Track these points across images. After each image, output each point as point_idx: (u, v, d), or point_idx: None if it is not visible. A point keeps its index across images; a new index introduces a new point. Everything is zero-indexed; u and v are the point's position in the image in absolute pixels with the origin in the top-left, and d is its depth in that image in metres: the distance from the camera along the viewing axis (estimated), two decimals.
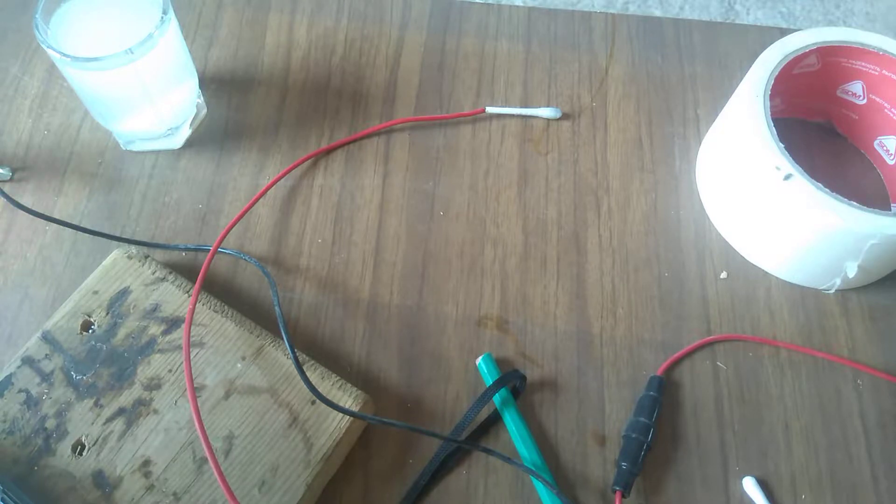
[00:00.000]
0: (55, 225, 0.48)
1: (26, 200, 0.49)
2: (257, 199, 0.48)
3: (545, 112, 0.53)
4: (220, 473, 0.35)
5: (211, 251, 0.44)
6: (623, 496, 0.40)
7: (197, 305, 0.43)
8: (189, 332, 0.41)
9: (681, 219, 0.50)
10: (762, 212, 0.45)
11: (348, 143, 0.52)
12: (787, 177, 0.42)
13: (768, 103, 0.45)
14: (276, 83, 0.55)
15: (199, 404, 0.40)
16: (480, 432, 0.42)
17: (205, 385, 0.41)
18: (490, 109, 0.53)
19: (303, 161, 0.51)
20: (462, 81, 0.55)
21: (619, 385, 0.44)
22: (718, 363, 0.45)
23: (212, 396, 0.41)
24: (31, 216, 0.48)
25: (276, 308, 0.43)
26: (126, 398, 0.41)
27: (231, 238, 0.48)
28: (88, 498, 0.38)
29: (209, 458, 0.36)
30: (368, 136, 0.52)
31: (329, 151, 0.52)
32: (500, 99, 0.54)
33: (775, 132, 0.44)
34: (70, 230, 0.48)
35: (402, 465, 0.42)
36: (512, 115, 0.54)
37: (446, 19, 0.58)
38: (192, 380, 0.38)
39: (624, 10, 0.59)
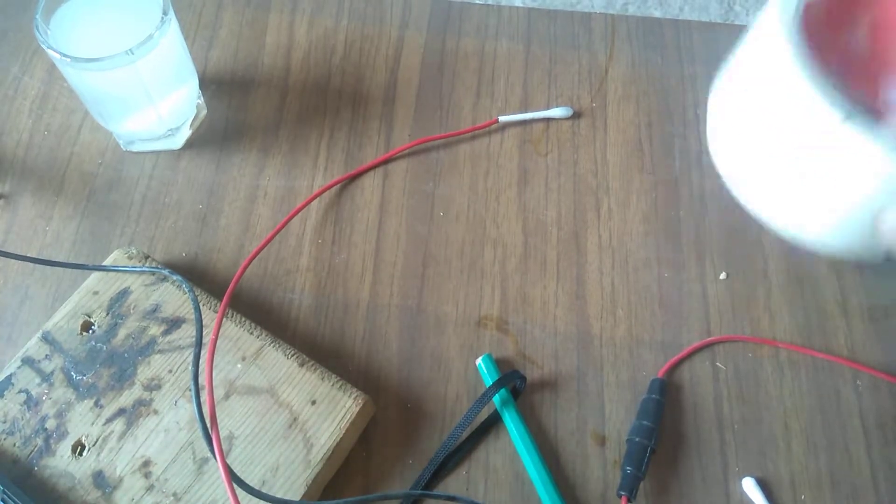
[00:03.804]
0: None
1: (26, 201, 0.49)
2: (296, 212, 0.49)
3: (556, 112, 0.53)
4: (227, 473, 0.35)
5: (239, 270, 0.44)
6: (629, 501, 0.40)
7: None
8: (213, 352, 0.40)
9: (681, 219, 0.50)
10: (807, 167, 0.38)
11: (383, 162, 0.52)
12: (847, 118, 0.34)
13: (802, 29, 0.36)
14: (276, 83, 0.55)
15: (199, 405, 0.40)
16: (480, 432, 0.42)
17: (205, 385, 0.41)
18: (502, 118, 0.53)
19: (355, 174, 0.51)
20: (462, 82, 0.55)
21: (618, 385, 0.44)
22: (718, 364, 0.45)
23: None
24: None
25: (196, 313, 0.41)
26: (126, 398, 0.41)
27: (231, 238, 0.48)
28: (88, 498, 0.38)
29: (219, 460, 0.35)
30: (397, 155, 0.52)
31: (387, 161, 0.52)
32: (501, 99, 0.54)
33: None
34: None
35: (403, 465, 0.42)
36: (524, 122, 0.53)
37: (446, 19, 0.58)
38: (214, 411, 0.38)
39: (623, 11, 0.58)
